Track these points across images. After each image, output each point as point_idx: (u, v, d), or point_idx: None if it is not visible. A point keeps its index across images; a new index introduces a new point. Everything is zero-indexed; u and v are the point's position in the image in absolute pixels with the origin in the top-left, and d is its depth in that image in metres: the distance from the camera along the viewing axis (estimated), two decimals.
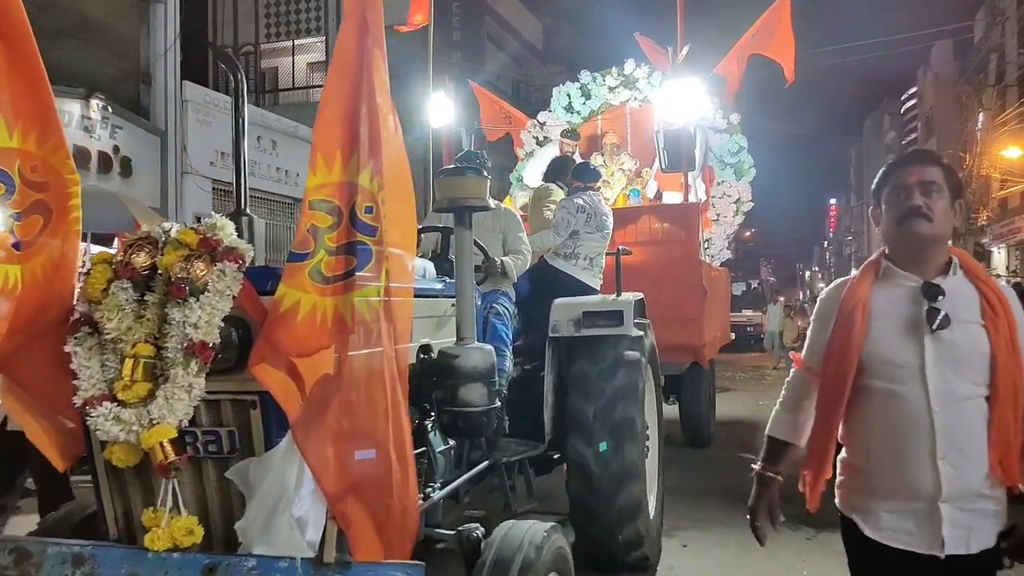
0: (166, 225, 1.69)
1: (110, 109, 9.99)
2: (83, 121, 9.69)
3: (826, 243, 66.89)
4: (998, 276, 19.37)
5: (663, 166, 6.25)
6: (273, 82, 20.74)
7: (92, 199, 7.89)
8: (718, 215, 7.56)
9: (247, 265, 1.68)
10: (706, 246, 7.16)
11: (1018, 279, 17.43)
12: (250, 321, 1.69)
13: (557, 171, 5.97)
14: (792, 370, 2.08)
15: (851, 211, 54.38)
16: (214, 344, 1.60)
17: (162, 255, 1.67)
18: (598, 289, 4.84)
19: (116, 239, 9.19)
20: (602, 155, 7.80)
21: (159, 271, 1.67)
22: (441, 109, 7.18)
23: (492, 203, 4.05)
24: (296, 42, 19.97)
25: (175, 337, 1.58)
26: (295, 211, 13.70)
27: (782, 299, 25.60)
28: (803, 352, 2.03)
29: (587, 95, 8.02)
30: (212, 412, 1.77)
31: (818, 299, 2.01)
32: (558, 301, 4.01)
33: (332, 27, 19.47)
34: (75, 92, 9.57)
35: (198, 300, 1.58)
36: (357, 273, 1.51)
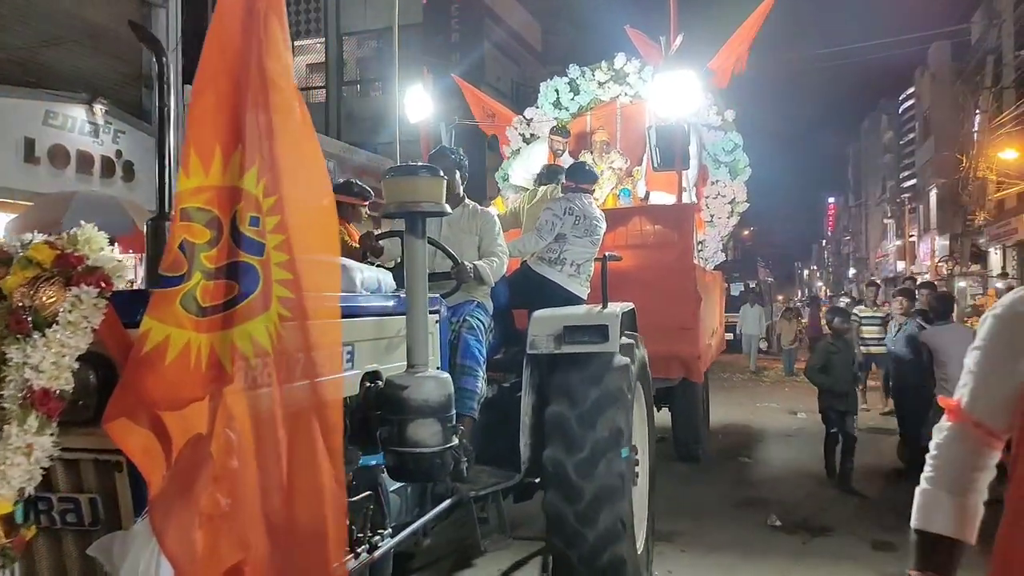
0: (27, 236, 1.35)
1: (113, 114, 9.98)
2: (86, 126, 9.68)
3: (824, 242, 66.74)
4: (994, 277, 19.22)
5: (655, 164, 5.84)
6: None
7: (93, 204, 7.87)
8: (712, 216, 7.17)
9: (116, 288, 1.33)
10: (700, 248, 6.79)
11: (1011, 282, 17.21)
12: (115, 361, 1.35)
13: (554, 177, 5.60)
14: (945, 425, 1.39)
15: (849, 211, 54.10)
16: (62, 392, 1.25)
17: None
18: (584, 298, 4.55)
19: (115, 243, 9.14)
20: (591, 153, 7.44)
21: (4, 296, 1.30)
22: (419, 103, 6.66)
23: (468, 204, 3.86)
24: (295, 43, 19.85)
25: (13, 383, 1.23)
26: None
27: (779, 298, 25.13)
28: (960, 397, 1.37)
29: (575, 90, 7.68)
30: (71, 474, 1.42)
31: (989, 315, 1.38)
32: (537, 314, 3.66)
33: (331, 28, 19.30)
34: (78, 97, 9.59)
35: (43, 335, 1.25)
36: (241, 303, 1.19)
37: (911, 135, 32.30)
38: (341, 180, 4.85)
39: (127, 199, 9.30)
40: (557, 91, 7.74)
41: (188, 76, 11.57)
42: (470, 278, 3.49)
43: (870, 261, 43.27)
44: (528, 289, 4.41)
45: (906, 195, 32.08)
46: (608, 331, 3.48)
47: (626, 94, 7.53)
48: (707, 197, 7.17)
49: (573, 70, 7.66)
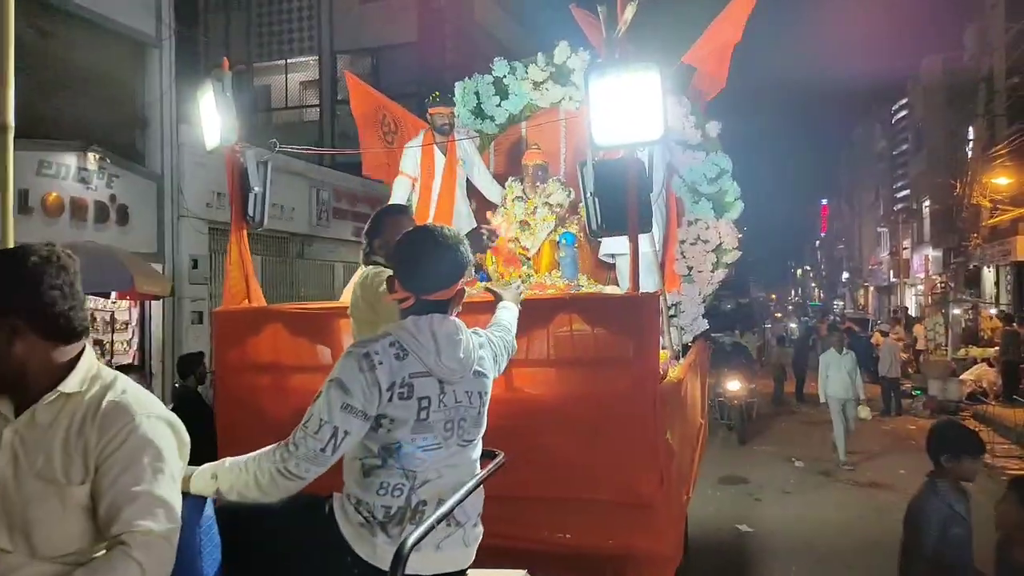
0: None
1: (107, 160, 10.05)
2: (80, 173, 9.75)
3: (817, 243, 66.96)
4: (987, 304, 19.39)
5: (592, 226, 3.52)
6: (266, 101, 20.73)
7: (92, 258, 7.96)
8: (690, 269, 5.17)
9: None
10: (672, 313, 4.93)
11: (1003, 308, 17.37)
12: None
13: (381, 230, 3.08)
14: None
15: (842, 215, 54.33)
16: None
17: None
18: None
19: (113, 294, 9.27)
20: (521, 182, 5.53)
21: None
22: (209, 122, 4.08)
23: (72, 391, 1.63)
24: (288, 61, 19.97)
25: None
26: (290, 245, 13.73)
27: (772, 296, 24.19)
28: None
29: (503, 94, 5.79)
30: None
31: None
32: None
33: (325, 46, 19.41)
34: (72, 145, 9.65)
35: None
36: None
37: (904, 145, 32.53)
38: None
39: (122, 246, 9.49)
40: (478, 94, 5.87)
41: (182, 116, 11.74)
42: None
43: (864, 268, 43.53)
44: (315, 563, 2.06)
45: (900, 205, 32.33)
46: None
47: (571, 98, 5.65)
48: (683, 243, 5.22)
49: (499, 66, 5.78)
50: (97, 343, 10.24)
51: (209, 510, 1.90)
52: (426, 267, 2.08)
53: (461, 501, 1.96)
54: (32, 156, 9.24)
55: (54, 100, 9.83)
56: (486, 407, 2.20)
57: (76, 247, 8.07)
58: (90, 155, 9.79)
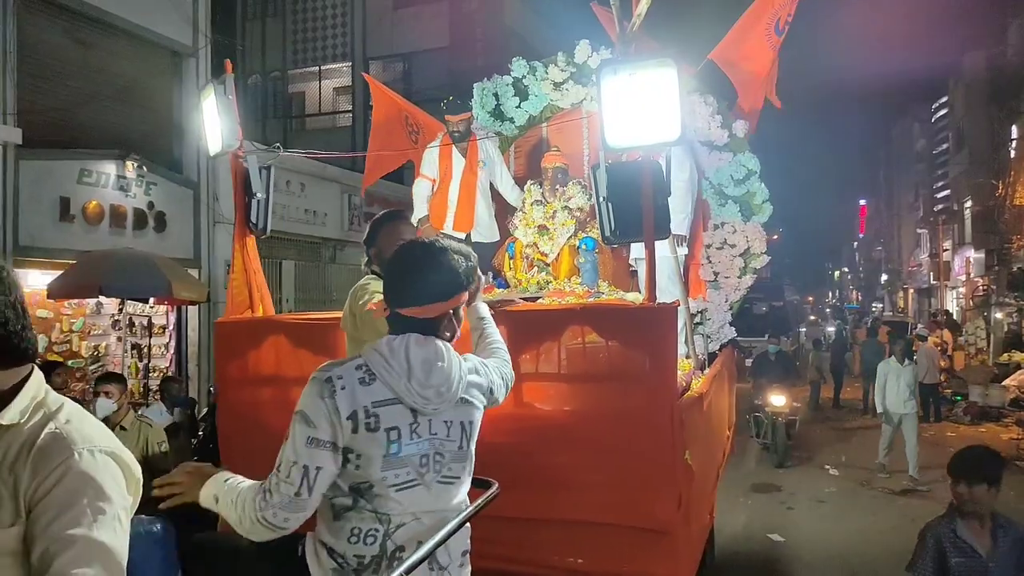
0: None
1: (145, 168, 10.26)
2: (119, 181, 9.99)
3: (855, 244, 65.73)
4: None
5: (607, 231, 3.31)
6: (300, 107, 21.05)
7: (130, 263, 8.16)
8: (716, 274, 5.03)
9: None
10: (698, 320, 4.86)
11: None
12: None
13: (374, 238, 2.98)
14: None
15: (881, 217, 53.23)
16: None
17: None
18: None
19: (151, 299, 9.49)
20: (541, 186, 5.35)
21: None
22: (212, 126, 3.89)
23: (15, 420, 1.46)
24: (323, 67, 20.24)
25: None
26: (323, 250, 13.87)
27: (810, 299, 23.23)
28: None
29: (523, 95, 5.69)
30: None
31: None
32: None
33: (359, 52, 19.64)
34: (111, 153, 9.91)
35: None
36: None
37: (944, 145, 31.82)
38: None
39: (160, 251, 9.73)
40: (496, 95, 5.79)
41: None
42: None
43: (903, 270, 42.61)
44: None
45: (940, 206, 31.62)
46: None
47: (592, 98, 5.35)
48: (708, 247, 5.06)
49: (518, 67, 5.64)
50: (135, 347, 10.48)
51: (172, 555, 1.84)
52: (407, 279, 1.90)
53: (441, 543, 1.78)
54: (73, 165, 9.49)
55: (94, 110, 10.09)
56: (472, 441, 1.97)
57: (116, 253, 8.28)
58: (129, 163, 10.03)
